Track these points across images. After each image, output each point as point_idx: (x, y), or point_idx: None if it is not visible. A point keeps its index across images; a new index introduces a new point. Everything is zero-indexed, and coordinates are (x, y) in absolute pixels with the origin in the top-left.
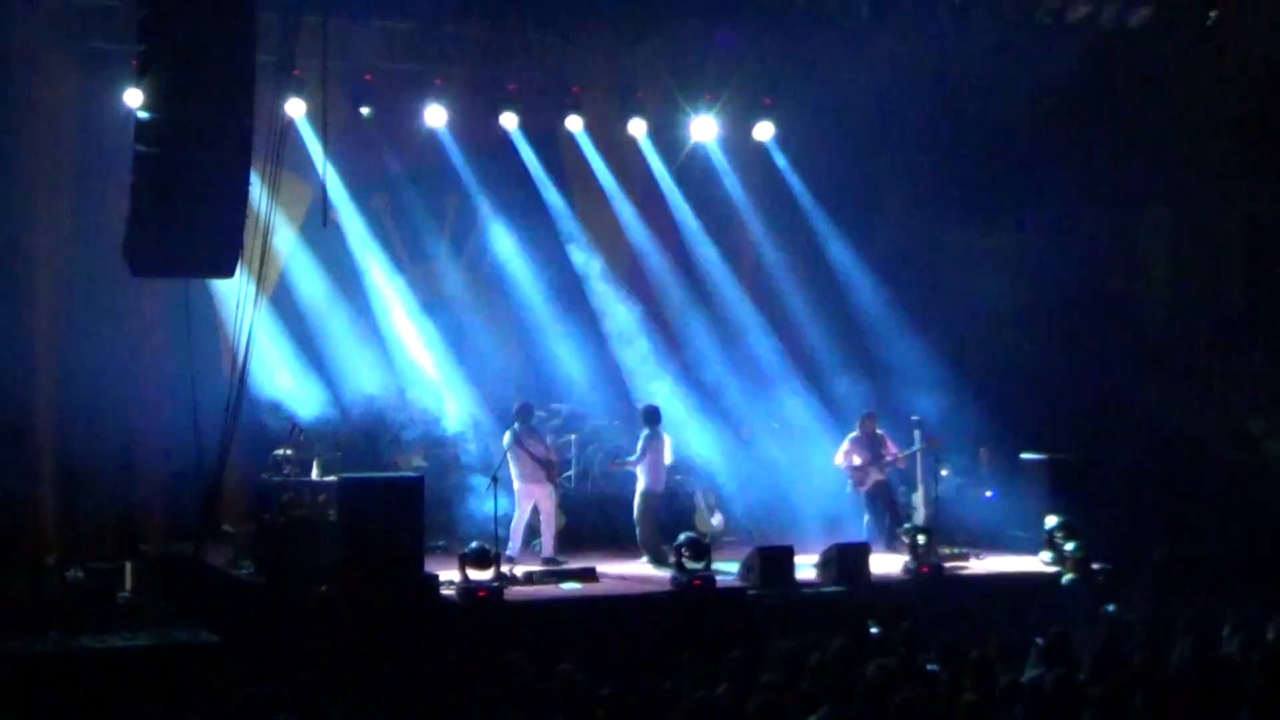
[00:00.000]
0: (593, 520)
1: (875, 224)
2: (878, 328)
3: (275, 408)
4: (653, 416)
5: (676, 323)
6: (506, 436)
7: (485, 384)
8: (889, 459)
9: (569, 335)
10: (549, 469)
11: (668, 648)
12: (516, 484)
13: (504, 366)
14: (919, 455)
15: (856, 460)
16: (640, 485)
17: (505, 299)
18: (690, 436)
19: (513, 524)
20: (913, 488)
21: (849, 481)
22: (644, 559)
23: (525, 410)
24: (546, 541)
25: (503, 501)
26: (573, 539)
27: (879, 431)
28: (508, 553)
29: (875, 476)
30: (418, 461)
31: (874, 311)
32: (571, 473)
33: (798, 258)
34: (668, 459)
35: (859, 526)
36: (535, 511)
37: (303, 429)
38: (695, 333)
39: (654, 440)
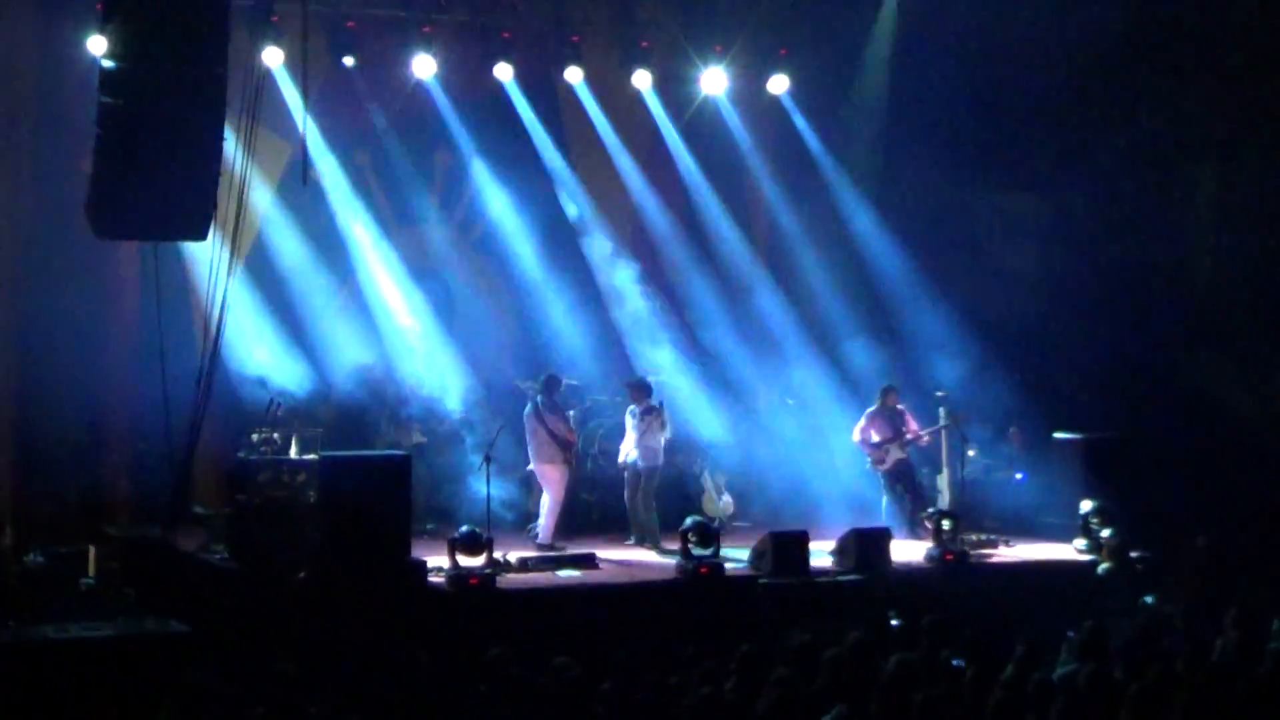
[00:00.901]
0: (593, 503)
1: (899, 184)
2: (900, 296)
3: (262, 383)
4: (642, 390)
5: (683, 290)
6: (527, 409)
7: (477, 355)
8: (910, 436)
9: (567, 303)
10: (566, 449)
11: (672, 640)
12: (533, 463)
13: (498, 337)
14: (944, 434)
15: (875, 437)
16: (631, 465)
17: (499, 264)
18: (698, 413)
19: (545, 507)
20: (937, 469)
21: (867, 460)
22: (630, 539)
23: (552, 382)
24: (546, 527)
25: (496, 483)
26: (571, 523)
27: (900, 406)
28: (540, 539)
29: (896, 455)
30: (417, 438)
31: (896, 279)
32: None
33: (814, 221)
34: (665, 436)
35: (880, 509)
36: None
37: (280, 403)
38: (703, 301)
39: (646, 416)
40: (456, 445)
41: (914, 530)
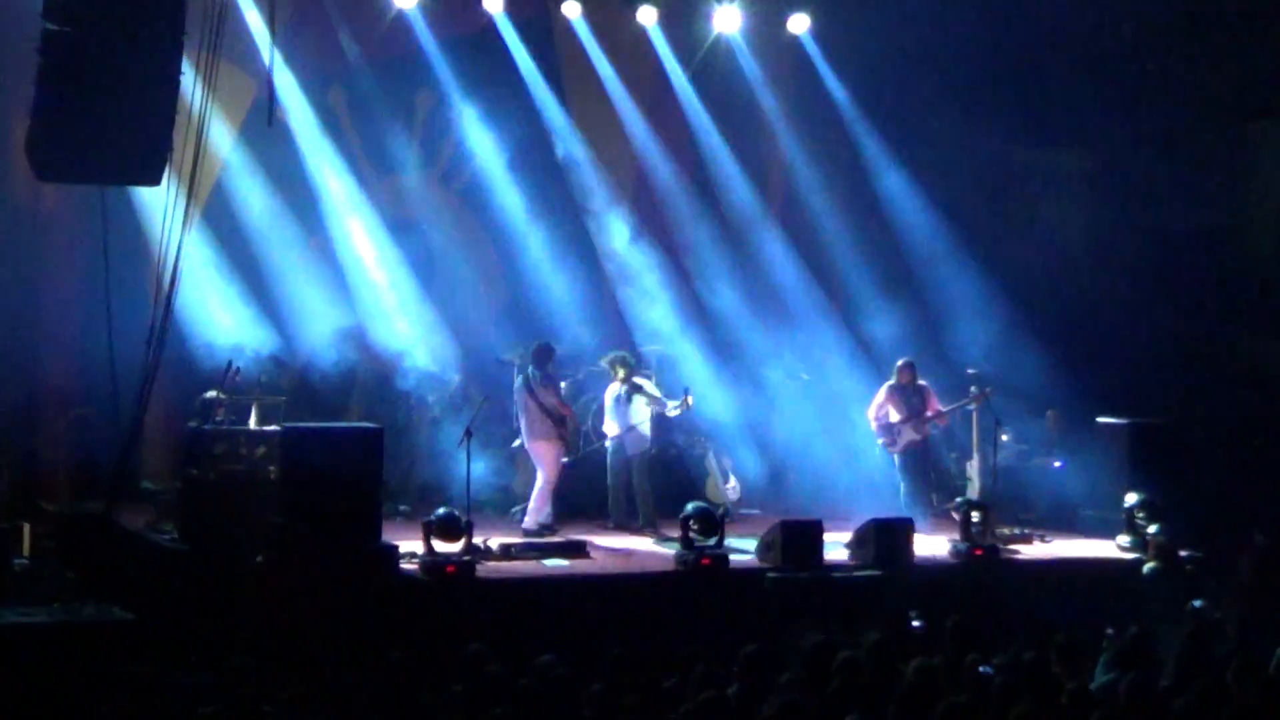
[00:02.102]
0: (585, 486)
1: (929, 137)
2: (929, 262)
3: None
4: (625, 366)
5: (689, 250)
6: (517, 381)
7: (459, 318)
8: (930, 415)
9: (560, 263)
10: (560, 425)
11: (670, 639)
12: (524, 441)
13: (482, 298)
14: (974, 415)
15: (894, 416)
16: (612, 446)
17: (485, 218)
18: (702, 388)
19: (536, 490)
20: (967, 455)
21: (878, 441)
22: (610, 524)
23: (543, 353)
24: (533, 510)
25: (479, 461)
26: (560, 508)
27: (921, 383)
28: (525, 524)
29: (910, 435)
30: (431, 414)
31: (925, 242)
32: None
33: (835, 176)
34: (645, 413)
35: (899, 496)
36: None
37: (239, 368)
38: (711, 263)
39: (633, 395)
40: (448, 420)
41: (924, 513)
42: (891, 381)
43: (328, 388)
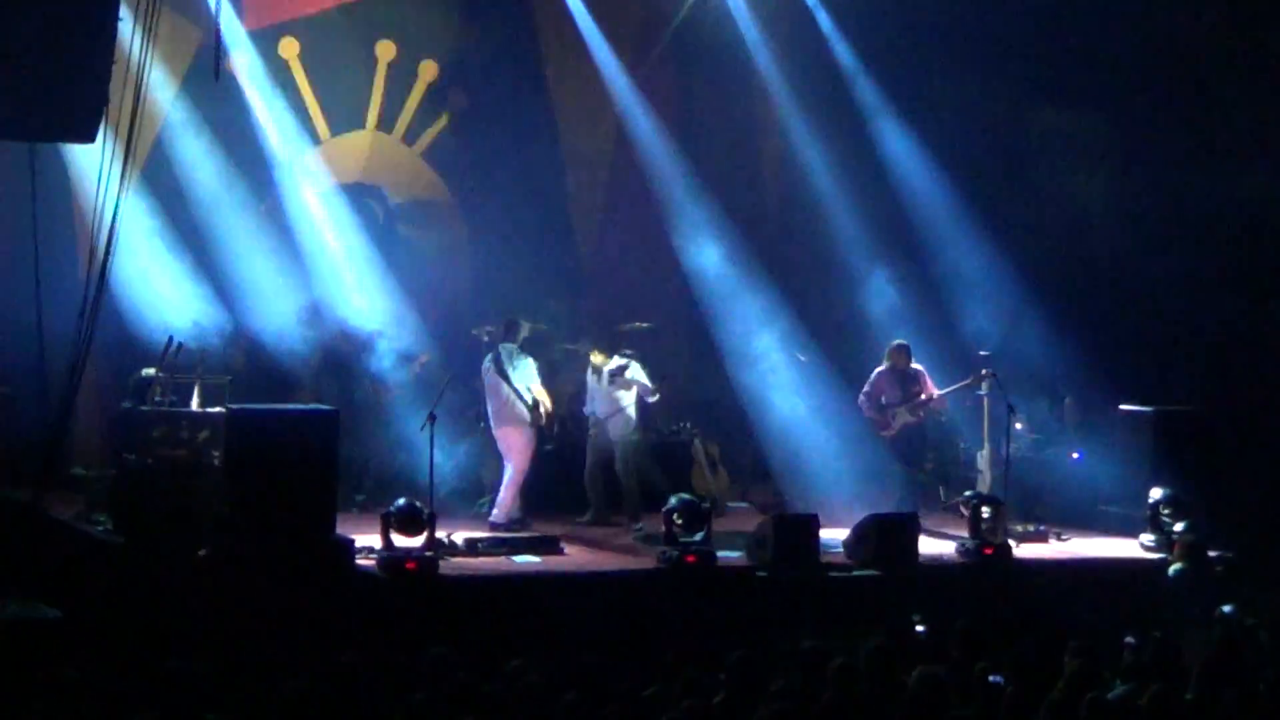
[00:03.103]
0: (559, 477)
1: (939, 98)
2: (936, 234)
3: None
4: (604, 350)
5: (674, 218)
6: (486, 361)
7: (421, 290)
8: (924, 398)
9: (534, 230)
10: (532, 409)
11: (651, 643)
12: (493, 427)
13: (448, 268)
14: (984, 401)
15: (883, 399)
16: (592, 430)
17: (450, 180)
18: (689, 368)
19: (505, 480)
20: (977, 445)
21: (874, 424)
22: (585, 518)
23: (512, 329)
24: (503, 502)
25: (443, 447)
26: (532, 499)
27: (916, 367)
28: (494, 517)
29: (904, 419)
30: (391, 395)
31: (932, 212)
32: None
33: (836, 139)
34: (632, 394)
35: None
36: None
37: (180, 342)
38: (698, 231)
39: (615, 379)
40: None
41: (917, 506)
42: (883, 366)
43: (279, 365)
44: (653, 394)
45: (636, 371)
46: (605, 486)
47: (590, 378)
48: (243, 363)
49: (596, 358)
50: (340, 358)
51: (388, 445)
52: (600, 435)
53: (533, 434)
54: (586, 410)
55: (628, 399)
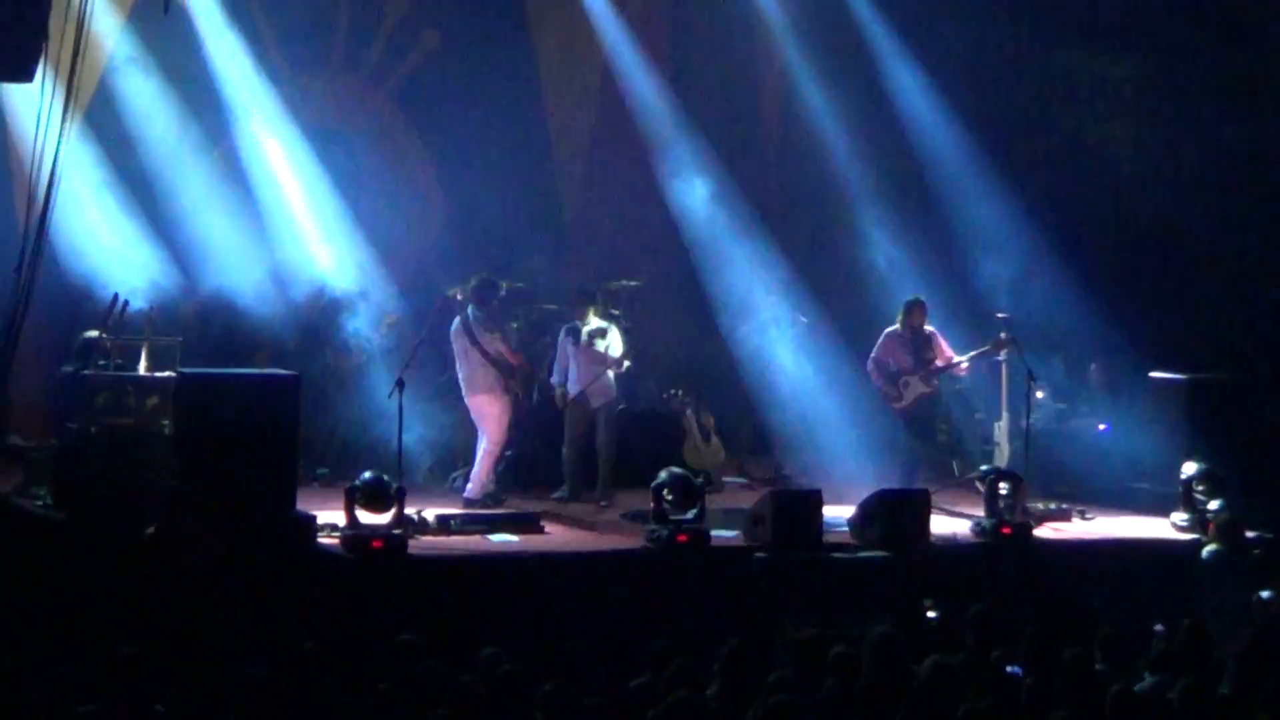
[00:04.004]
0: (540, 448)
1: (953, 38)
2: (952, 184)
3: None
4: (586, 302)
5: (666, 166)
6: (455, 323)
7: (389, 244)
8: (942, 365)
9: (515, 178)
10: (508, 375)
11: (638, 630)
12: (465, 395)
13: (419, 221)
14: (1003, 368)
15: (894, 366)
16: (571, 396)
17: (422, 123)
18: (679, 332)
19: (480, 453)
20: (994, 415)
21: (882, 393)
22: (560, 493)
23: (485, 290)
24: (477, 476)
25: (411, 418)
26: (508, 473)
27: (929, 329)
28: (468, 492)
29: (919, 388)
30: (358, 360)
31: (946, 161)
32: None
33: (841, 81)
34: (625, 364)
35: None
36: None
37: (126, 300)
38: (692, 180)
39: (595, 339)
40: (377, 366)
41: (929, 482)
42: (895, 326)
43: (234, 326)
44: (620, 364)
45: (613, 338)
46: (585, 461)
47: (565, 341)
48: (195, 323)
49: (591, 318)
50: (305, 319)
51: (353, 414)
52: (579, 405)
53: (508, 402)
54: (554, 380)
55: (608, 375)
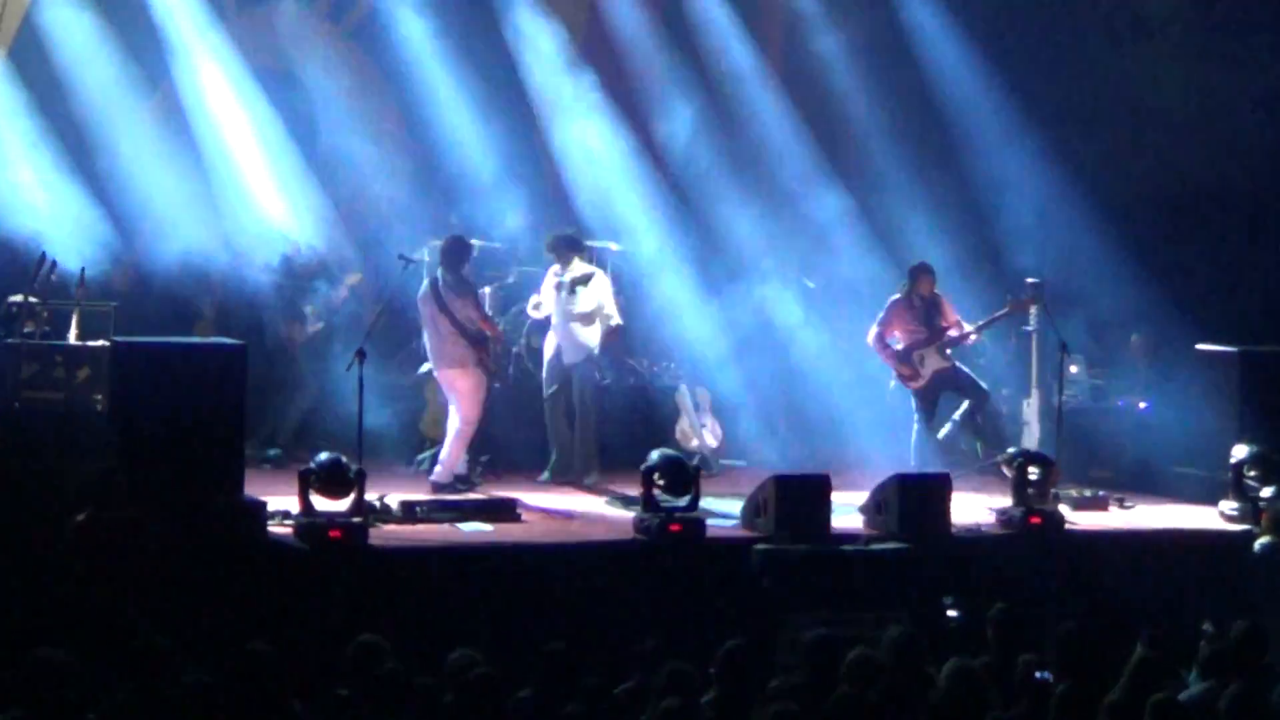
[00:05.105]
0: (515, 426)
1: None
2: (973, 132)
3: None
4: (571, 248)
5: (658, 106)
6: (423, 288)
7: (349, 199)
8: (954, 335)
9: (488, 124)
10: (479, 347)
11: (625, 630)
12: (433, 368)
13: (381, 173)
14: (1032, 338)
15: (901, 340)
16: (548, 360)
17: (384, 64)
18: (672, 299)
19: (451, 433)
20: (1023, 391)
21: (891, 378)
22: (544, 476)
23: (456, 250)
24: (447, 458)
25: (372, 398)
26: (482, 455)
27: (936, 293)
28: (435, 476)
29: (935, 364)
30: (312, 327)
31: (969, 106)
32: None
33: (855, 20)
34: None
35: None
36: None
37: (55, 261)
38: (685, 122)
39: (577, 288)
40: (334, 336)
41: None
42: (898, 294)
43: (174, 291)
44: (613, 320)
45: (602, 286)
46: (566, 436)
47: (549, 282)
48: (132, 287)
49: (576, 264)
50: (258, 282)
51: (307, 387)
52: (554, 367)
53: (481, 376)
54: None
55: (588, 328)
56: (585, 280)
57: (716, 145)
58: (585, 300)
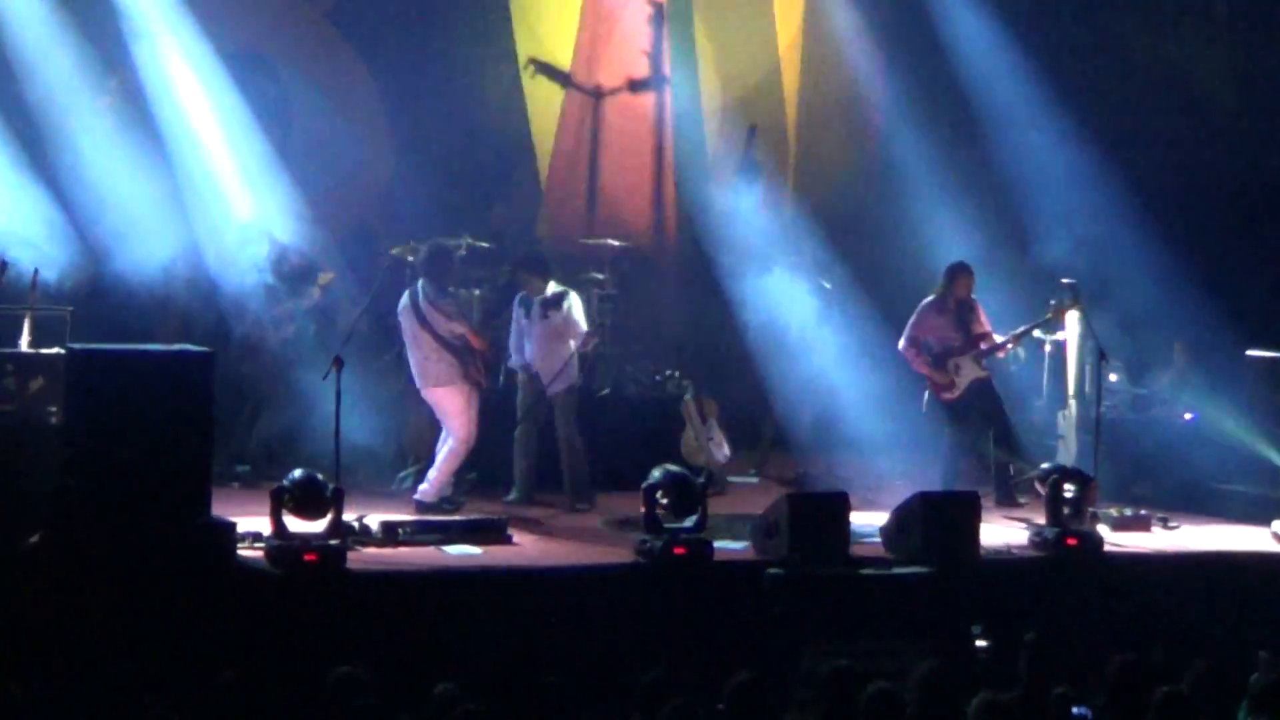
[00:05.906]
0: (506, 443)
1: None
2: (1001, 119)
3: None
4: (537, 272)
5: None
6: (404, 299)
7: (326, 194)
8: (988, 346)
9: (476, 112)
10: (467, 362)
11: (626, 660)
12: (419, 386)
13: (361, 164)
14: (1066, 346)
15: (936, 344)
16: (521, 376)
17: (364, 48)
18: (674, 304)
19: (444, 451)
20: (1058, 402)
21: (924, 391)
22: (511, 496)
23: (438, 260)
24: (435, 477)
25: (350, 410)
26: (469, 473)
27: (972, 297)
28: (421, 495)
29: (971, 373)
30: (285, 333)
31: (996, 91)
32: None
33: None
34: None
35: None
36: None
37: (4, 262)
38: (692, 111)
39: (549, 313)
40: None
41: (1007, 495)
42: (933, 297)
43: (135, 295)
44: (589, 339)
45: (574, 306)
46: (535, 456)
47: (518, 312)
48: (88, 290)
49: (546, 286)
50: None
51: (280, 399)
52: (533, 388)
53: (472, 392)
54: (514, 363)
55: (564, 350)
56: (557, 302)
57: (728, 133)
58: (558, 322)
